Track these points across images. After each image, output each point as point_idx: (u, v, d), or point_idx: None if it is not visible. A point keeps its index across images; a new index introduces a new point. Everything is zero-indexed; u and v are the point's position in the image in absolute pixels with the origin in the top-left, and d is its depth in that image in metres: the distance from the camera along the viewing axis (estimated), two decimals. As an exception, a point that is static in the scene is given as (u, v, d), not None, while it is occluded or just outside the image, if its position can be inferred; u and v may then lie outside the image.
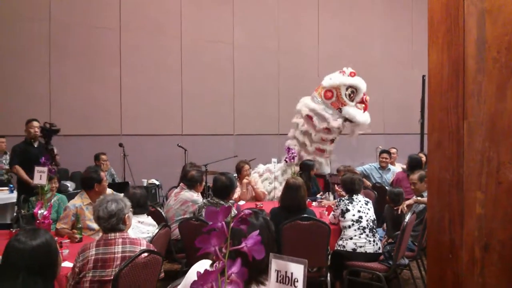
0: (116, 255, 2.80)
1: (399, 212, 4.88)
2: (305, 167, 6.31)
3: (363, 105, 6.86)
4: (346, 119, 6.78)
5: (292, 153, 6.06)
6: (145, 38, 8.61)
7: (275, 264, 1.04)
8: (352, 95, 6.76)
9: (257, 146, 9.29)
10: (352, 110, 6.70)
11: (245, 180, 6.07)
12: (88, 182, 4.28)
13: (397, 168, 7.61)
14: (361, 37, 11.04)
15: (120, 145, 7.67)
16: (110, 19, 8.32)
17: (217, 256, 0.89)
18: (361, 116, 6.73)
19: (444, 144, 1.97)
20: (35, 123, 5.83)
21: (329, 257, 4.40)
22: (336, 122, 6.66)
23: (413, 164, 6.31)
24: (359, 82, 6.79)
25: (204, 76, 9.19)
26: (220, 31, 9.45)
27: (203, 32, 9.20)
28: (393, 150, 8.12)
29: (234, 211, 3.22)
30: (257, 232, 0.94)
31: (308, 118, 6.86)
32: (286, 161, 6.33)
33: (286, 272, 1.04)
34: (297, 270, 1.02)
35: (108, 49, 8.30)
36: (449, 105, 1.95)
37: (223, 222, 0.89)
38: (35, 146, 5.83)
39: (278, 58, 10.06)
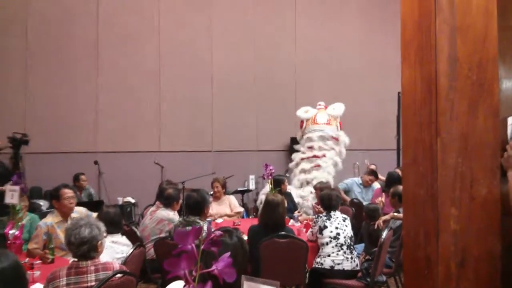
0: (89, 284, 2.70)
1: (375, 227, 4.89)
2: (276, 183, 6.33)
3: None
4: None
5: (270, 169, 6.05)
6: (122, 52, 8.54)
7: (247, 287, 1.01)
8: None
9: (235, 163, 9.25)
10: (346, 138, 7.62)
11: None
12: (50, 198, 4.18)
13: (377, 184, 7.65)
14: (338, 47, 11.12)
15: (95, 162, 7.56)
16: (87, 27, 8.23)
17: (186, 280, 0.87)
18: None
19: (418, 160, 1.98)
20: None
21: (307, 275, 4.37)
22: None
23: (392, 181, 6.38)
24: (338, 107, 7.72)
25: (182, 92, 9.14)
26: (198, 47, 9.44)
27: (181, 43, 9.16)
28: (373, 167, 8.19)
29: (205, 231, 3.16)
30: (228, 254, 0.91)
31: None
32: (264, 178, 6.32)
33: (258, 294, 1.02)
34: (269, 292, 1.00)
35: (84, 63, 8.21)
36: (422, 122, 1.97)
37: (193, 245, 0.87)
38: None
39: (255, 71, 10.07)
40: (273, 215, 4.24)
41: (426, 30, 1.96)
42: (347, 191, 7.33)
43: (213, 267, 0.89)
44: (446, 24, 1.90)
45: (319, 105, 7.92)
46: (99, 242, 2.85)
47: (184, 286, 0.89)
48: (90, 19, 8.35)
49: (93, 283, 2.68)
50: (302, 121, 7.92)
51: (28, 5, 7.85)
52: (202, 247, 0.89)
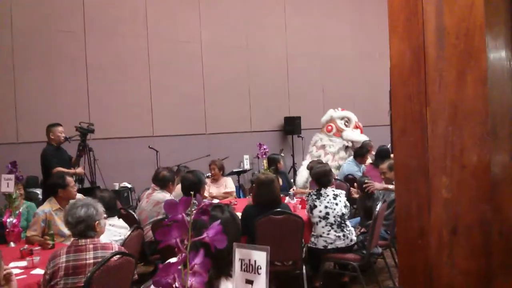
0: (87, 261, 2.75)
1: (369, 191, 4.87)
2: (271, 161, 6.37)
3: (358, 129, 8.51)
4: (346, 147, 8.28)
5: (264, 148, 6.09)
6: (111, 40, 8.47)
7: (239, 253, 1.04)
8: (347, 124, 8.49)
9: (230, 144, 9.26)
10: (350, 133, 8.35)
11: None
12: (52, 188, 4.21)
13: (369, 160, 7.67)
14: (328, 32, 11.11)
15: (90, 149, 7.54)
16: (74, 23, 8.16)
17: (178, 248, 0.88)
18: (359, 136, 8.32)
19: (409, 131, 2.00)
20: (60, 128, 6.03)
21: (304, 250, 4.42)
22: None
23: (382, 155, 6.42)
24: (348, 113, 8.62)
25: (173, 76, 9.09)
26: (187, 31, 9.37)
27: (169, 32, 9.11)
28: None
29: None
30: (218, 222, 0.93)
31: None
32: (258, 157, 6.37)
33: (249, 260, 1.04)
34: (260, 257, 1.02)
35: (73, 53, 8.13)
36: (412, 93, 1.98)
37: (183, 214, 0.89)
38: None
39: (247, 55, 10.04)
40: (269, 193, 4.23)
41: (413, 1, 1.97)
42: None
43: (204, 235, 0.91)
44: (432, -7, 1.90)
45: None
46: (96, 222, 2.89)
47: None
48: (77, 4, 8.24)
49: (91, 261, 2.73)
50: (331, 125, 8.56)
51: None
52: (192, 216, 0.91)
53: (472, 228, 1.90)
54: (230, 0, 9.92)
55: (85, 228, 2.83)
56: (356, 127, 8.52)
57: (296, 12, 10.71)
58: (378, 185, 4.95)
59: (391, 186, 4.82)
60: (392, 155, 6.70)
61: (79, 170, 6.00)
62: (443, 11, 1.90)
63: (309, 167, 5.97)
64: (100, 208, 2.99)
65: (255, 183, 4.46)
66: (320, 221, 4.37)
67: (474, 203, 1.89)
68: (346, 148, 8.29)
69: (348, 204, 4.57)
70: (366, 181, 4.99)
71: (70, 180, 4.25)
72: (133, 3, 8.77)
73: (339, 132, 8.37)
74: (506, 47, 1.95)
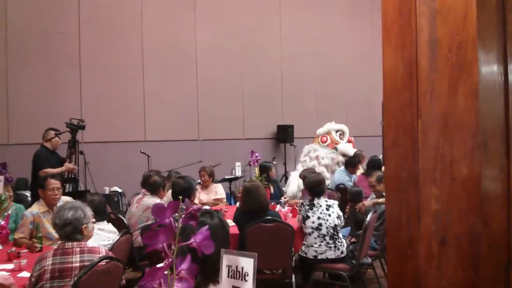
0: (74, 265, 2.73)
1: (357, 210, 4.94)
2: (263, 169, 6.37)
3: (350, 143, 8.62)
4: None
5: (256, 156, 6.09)
6: (105, 42, 8.46)
7: (226, 259, 1.03)
8: (341, 136, 8.65)
9: (222, 151, 9.25)
10: (345, 146, 8.45)
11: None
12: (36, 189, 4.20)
13: (360, 170, 7.71)
14: (323, 38, 11.16)
15: (81, 152, 7.50)
16: (69, 24, 8.14)
17: (165, 253, 0.88)
18: (352, 150, 8.34)
19: (400, 142, 2.00)
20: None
21: (294, 258, 4.41)
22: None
23: (373, 165, 6.45)
24: (343, 126, 8.74)
25: (167, 80, 9.10)
26: (182, 35, 9.38)
27: (165, 36, 9.11)
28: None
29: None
30: (206, 227, 0.92)
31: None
32: (250, 165, 6.36)
33: (236, 267, 1.03)
34: (247, 264, 1.02)
35: (67, 54, 8.11)
36: (404, 104, 1.99)
37: (171, 218, 0.88)
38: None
39: (241, 62, 10.06)
40: (255, 200, 4.26)
41: (406, 13, 1.98)
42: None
43: (192, 240, 0.91)
44: (425, 6, 1.92)
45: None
46: (84, 225, 2.87)
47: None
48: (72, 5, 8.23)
49: (77, 264, 2.72)
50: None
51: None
52: (180, 221, 0.91)
53: (461, 240, 1.90)
54: (225, 7, 9.95)
55: (72, 231, 2.81)
56: (349, 141, 8.68)
57: (291, 21, 10.76)
58: (368, 202, 5.04)
59: (380, 200, 4.85)
60: (383, 167, 6.79)
61: (71, 165, 5.86)
62: (436, 23, 1.91)
63: (302, 176, 5.97)
64: (89, 211, 2.97)
65: (242, 191, 4.48)
66: (312, 232, 4.37)
67: (463, 215, 1.90)
68: (338, 163, 8.39)
69: (341, 215, 4.56)
70: (356, 206, 5.09)
71: (50, 181, 4.17)
72: (129, 5, 8.77)
73: (333, 144, 8.50)
74: (498, 61, 1.96)
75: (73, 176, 6.03)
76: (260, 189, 4.30)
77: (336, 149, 8.40)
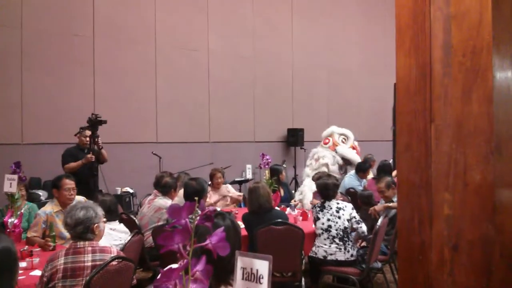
0: (86, 264, 2.75)
1: (371, 214, 4.95)
2: (273, 172, 6.39)
3: (355, 150, 8.60)
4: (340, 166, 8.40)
5: (267, 159, 6.10)
6: (119, 45, 8.52)
7: (241, 262, 1.03)
8: (344, 141, 8.65)
9: (233, 153, 9.27)
10: (344, 149, 8.45)
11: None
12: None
13: (370, 174, 7.70)
14: (336, 45, 11.16)
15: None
16: (84, 27, 8.22)
17: (180, 253, 0.89)
18: (353, 154, 8.44)
19: (412, 147, 2.00)
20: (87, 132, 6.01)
21: (303, 261, 4.42)
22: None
23: (382, 169, 6.45)
24: (348, 132, 8.74)
25: (179, 83, 9.14)
26: (195, 38, 9.42)
27: (177, 39, 9.16)
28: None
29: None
30: (222, 229, 0.93)
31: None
32: (261, 167, 6.37)
33: (251, 269, 1.04)
34: (262, 266, 1.02)
35: (81, 57, 8.18)
36: (417, 109, 1.98)
37: (187, 219, 0.89)
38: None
39: (253, 65, 10.08)
40: (257, 198, 4.33)
41: (421, 18, 1.98)
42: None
43: (207, 241, 0.92)
44: (440, 11, 1.92)
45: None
46: (95, 225, 2.89)
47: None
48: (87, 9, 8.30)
49: (89, 263, 2.74)
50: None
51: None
52: (195, 222, 0.91)
53: (473, 246, 1.89)
54: (238, 13, 9.98)
55: (83, 230, 2.84)
56: (353, 147, 8.69)
57: (304, 25, 10.77)
58: (378, 207, 5.03)
59: (391, 204, 4.84)
60: (394, 172, 6.77)
61: (89, 156, 5.86)
62: (451, 29, 1.91)
63: (316, 178, 5.99)
64: (100, 211, 2.99)
65: (247, 193, 4.59)
66: (322, 233, 4.41)
67: (476, 221, 1.89)
68: (341, 166, 8.43)
69: (355, 216, 4.52)
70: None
71: (65, 182, 4.22)
72: (142, 10, 8.83)
73: (334, 146, 8.56)
74: (513, 67, 1.96)
75: (95, 173, 6.02)
76: (261, 189, 4.37)
77: (336, 151, 8.47)
